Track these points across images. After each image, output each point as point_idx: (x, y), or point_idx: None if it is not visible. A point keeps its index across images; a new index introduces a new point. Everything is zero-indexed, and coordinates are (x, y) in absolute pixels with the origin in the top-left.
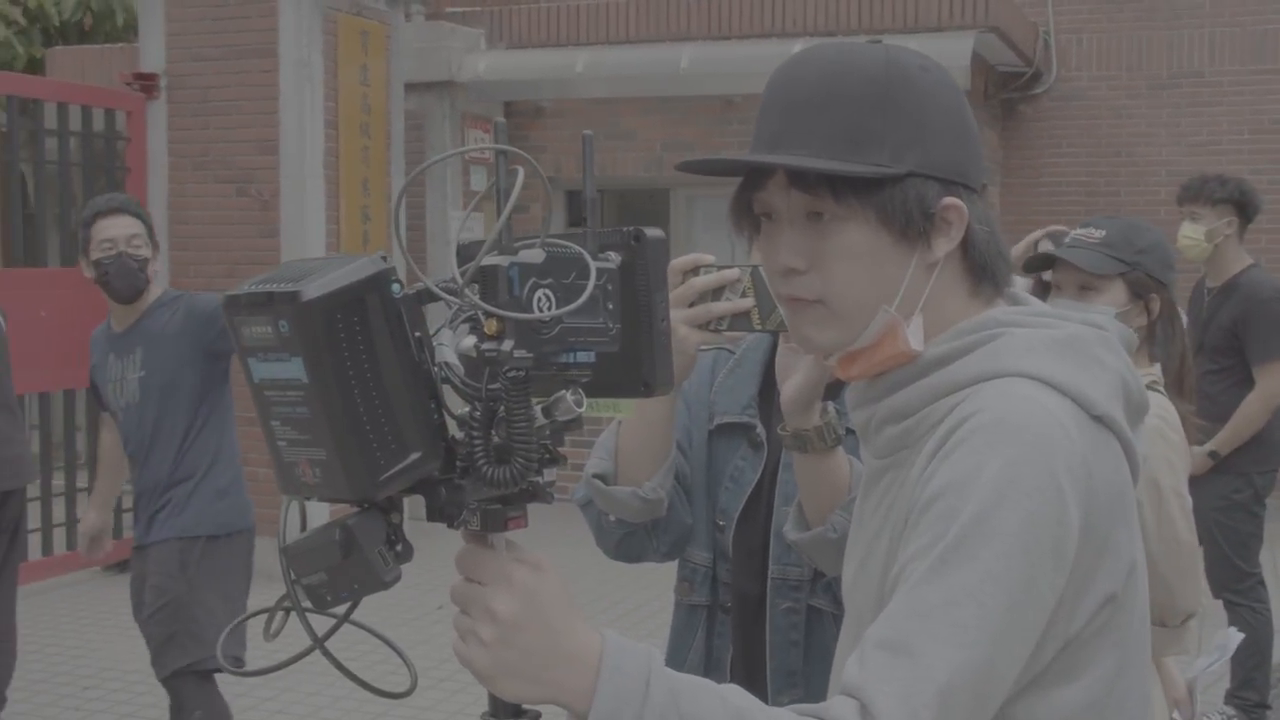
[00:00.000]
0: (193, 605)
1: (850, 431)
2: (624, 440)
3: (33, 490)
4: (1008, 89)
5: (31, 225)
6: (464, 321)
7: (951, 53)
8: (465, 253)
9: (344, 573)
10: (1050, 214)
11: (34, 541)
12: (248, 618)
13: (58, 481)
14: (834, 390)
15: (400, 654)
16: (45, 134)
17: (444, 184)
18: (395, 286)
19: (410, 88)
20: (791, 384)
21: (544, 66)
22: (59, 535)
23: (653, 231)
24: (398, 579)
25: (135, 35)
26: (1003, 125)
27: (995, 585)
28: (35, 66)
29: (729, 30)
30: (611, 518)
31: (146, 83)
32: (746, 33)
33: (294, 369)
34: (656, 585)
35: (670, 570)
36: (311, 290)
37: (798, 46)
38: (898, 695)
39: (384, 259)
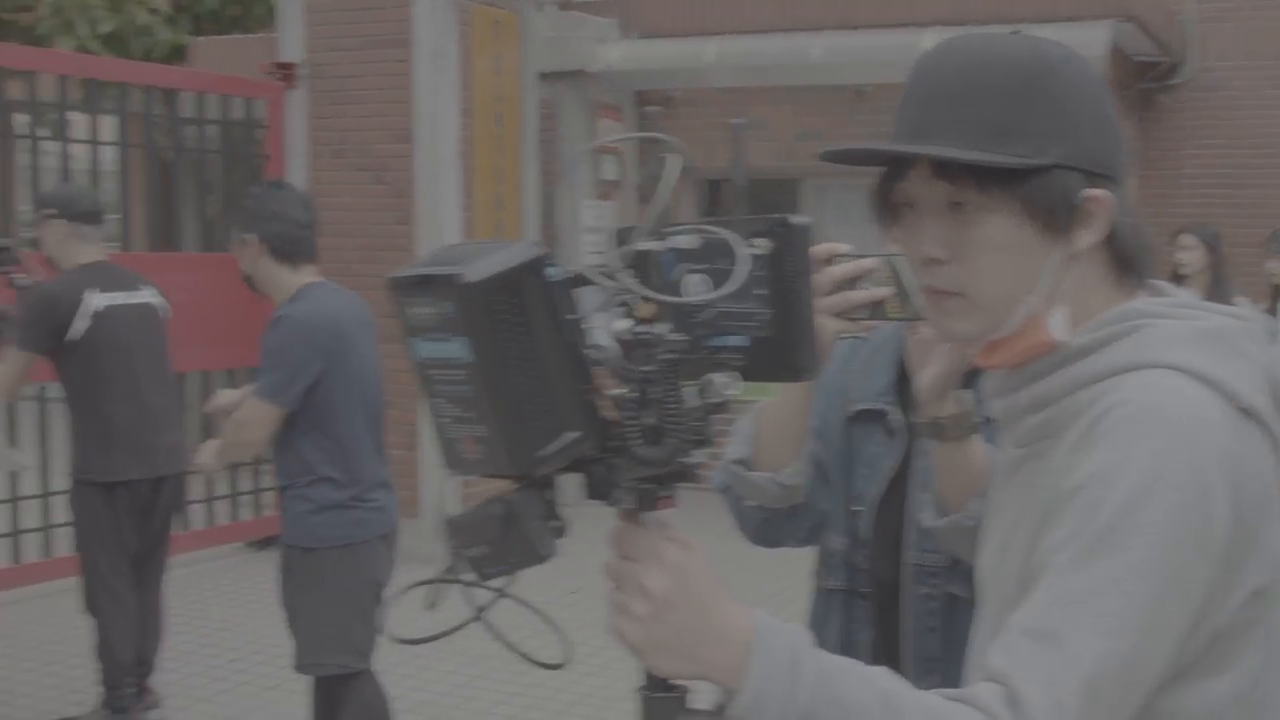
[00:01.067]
0: (298, 610)
1: (988, 420)
2: (763, 426)
3: None
4: (1145, 79)
5: (170, 212)
6: (618, 305)
7: (1088, 42)
8: (620, 238)
9: (503, 547)
10: (1191, 207)
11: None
12: (412, 587)
13: None
14: (970, 378)
15: (555, 627)
16: (185, 123)
17: (575, 174)
18: (551, 270)
19: (542, 77)
20: (927, 372)
21: (675, 56)
22: (202, 511)
23: (798, 218)
24: (553, 554)
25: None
26: (1141, 116)
27: (1141, 576)
28: (179, 53)
29: (860, 20)
30: (750, 503)
31: (286, 72)
32: (878, 22)
33: (457, 349)
34: (799, 570)
35: (808, 556)
36: (474, 273)
37: (929, 37)
38: (1043, 682)
39: (541, 244)
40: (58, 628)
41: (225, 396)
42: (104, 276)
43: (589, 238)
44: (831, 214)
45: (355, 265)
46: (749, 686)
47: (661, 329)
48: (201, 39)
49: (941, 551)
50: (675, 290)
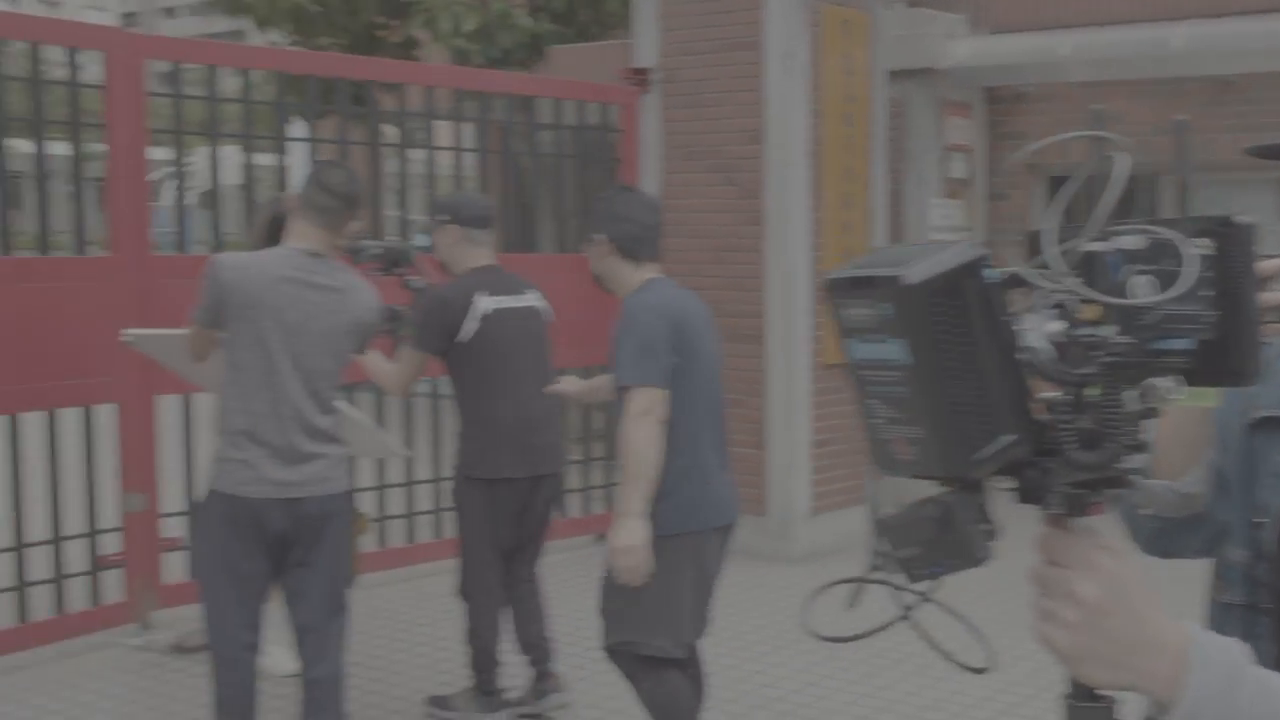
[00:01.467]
0: (623, 589)
1: None
2: (1161, 432)
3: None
4: None
5: (526, 214)
6: (1051, 306)
7: None
8: (1062, 238)
9: (937, 548)
10: None
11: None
12: (832, 585)
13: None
14: None
15: (977, 634)
16: (542, 129)
17: (921, 170)
18: (989, 271)
19: (890, 75)
20: None
21: (1027, 51)
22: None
23: (1242, 217)
24: (989, 557)
25: (627, 29)
26: None
27: None
28: (539, 45)
29: (1226, 6)
30: (1145, 511)
31: (641, 77)
32: (1246, 9)
33: (895, 350)
34: (1191, 580)
35: (1195, 567)
36: (914, 274)
37: None
38: None
39: (979, 245)
40: (425, 610)
41: (571, 384)
42: (493, 280)
43: (936, 237)
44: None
45: (704, 266)
46: (1187, 697)
47: (1107, 331)
48: (558, 47)
49: None
50: (1122, 292)
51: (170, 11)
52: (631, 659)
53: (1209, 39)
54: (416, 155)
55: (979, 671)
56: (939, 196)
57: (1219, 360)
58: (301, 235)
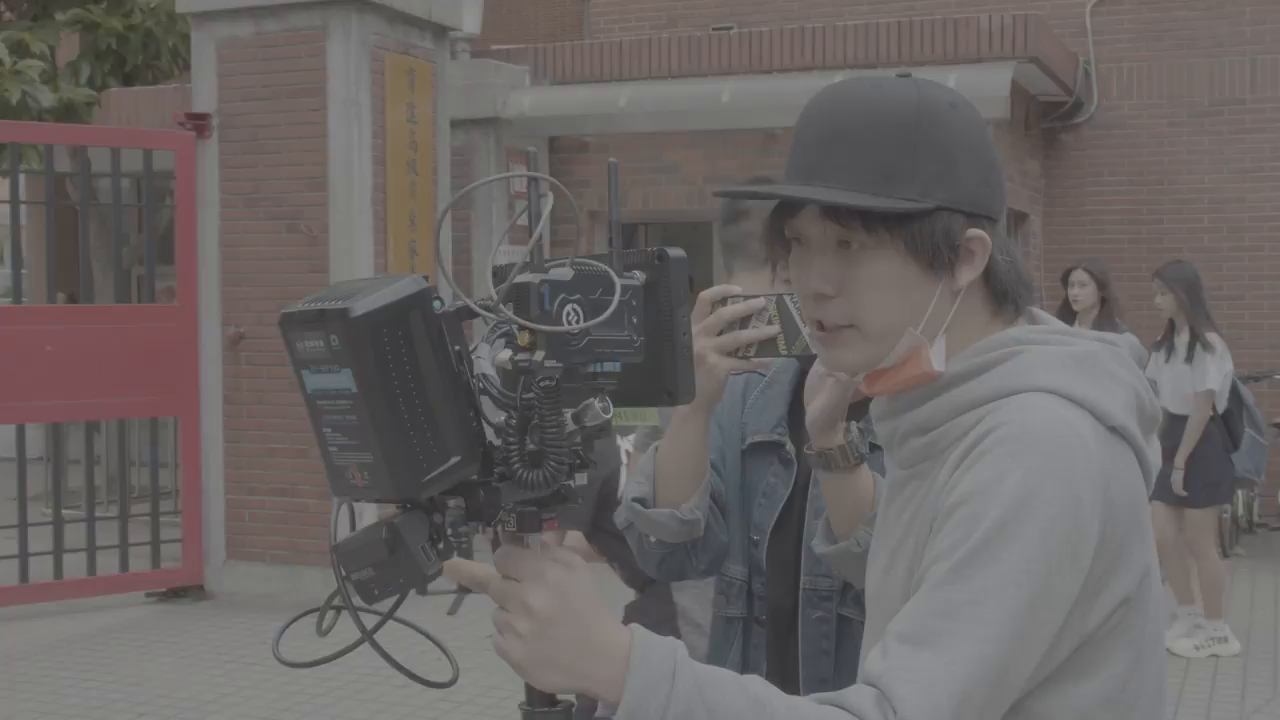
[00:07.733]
0: None
1: (875, 448)
2: (661, 464)
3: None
4: (1049, 118)
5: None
6: (500, 336)
7: (991, 84)
8: (501, 274)
9: (390, 569)
10: (1093, 243)
11: (78, 561)
12: (300, 617)
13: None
14: (858, 410)
15: (441, 647)
16: (92, 177)
17: (489, 218)
18: (436, 303)
19: (456, 124)
20: (815, 405)
21: (588, 102)
22: (109, 556)
23: (674, 251)
24: (439, 574)
25: (174, 73)
26: (1045, 154)
27: (1015, 587)
28: (74, 110)
29: (770, 64)
30: (652, 539)
31: (199, 122)
32: (787, 66)
33: (344, 380)
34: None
35: None
36: (359, 307)
37: (839, 80)
38: (919, 685)
39: (425, 279)
40: None
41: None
42: None
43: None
44: (743, 254)
45: (269, 315)
46: (628, 697)
47: (539, 356)
48: (115, 90)
49: (833, 576)
50: (555, 320)
51: None
52: None
53: (755, 94)
54: None
55: (443, 685)
56: (506, 243)
57: (653, 381)
58: None
